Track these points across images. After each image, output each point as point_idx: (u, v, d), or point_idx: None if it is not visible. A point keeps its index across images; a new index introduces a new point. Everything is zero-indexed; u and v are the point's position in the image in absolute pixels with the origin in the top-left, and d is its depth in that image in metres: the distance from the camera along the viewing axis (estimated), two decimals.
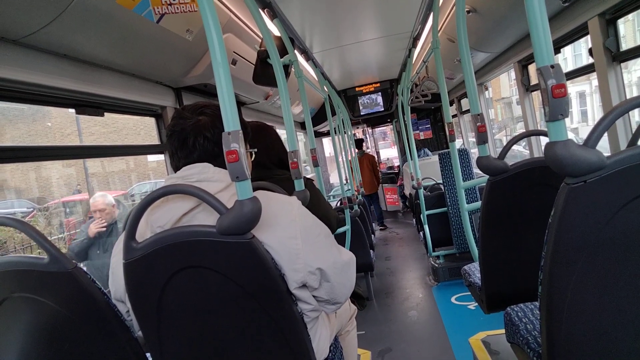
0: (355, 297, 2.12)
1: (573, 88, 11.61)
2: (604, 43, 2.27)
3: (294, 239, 1.07)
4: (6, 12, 1.34)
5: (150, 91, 2.43)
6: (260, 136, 1.79)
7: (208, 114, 1.16)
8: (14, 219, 1.09)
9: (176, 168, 1.15)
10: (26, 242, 4.99)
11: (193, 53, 2.35)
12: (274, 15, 2.41)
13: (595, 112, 10.92)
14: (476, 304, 2.22)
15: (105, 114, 2.13)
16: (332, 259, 1.15)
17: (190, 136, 1.12)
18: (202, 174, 1.08)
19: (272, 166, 1.84)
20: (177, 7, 1.87)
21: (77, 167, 8.98)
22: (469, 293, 2.23)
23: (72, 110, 1.96)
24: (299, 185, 1.82)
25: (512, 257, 1.69)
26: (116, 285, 1.16)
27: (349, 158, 5.74)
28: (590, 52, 2.40)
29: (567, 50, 3.02)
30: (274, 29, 2.48)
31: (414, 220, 6.18)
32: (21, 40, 1.50)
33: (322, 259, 1.11)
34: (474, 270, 2.11)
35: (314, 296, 1.15)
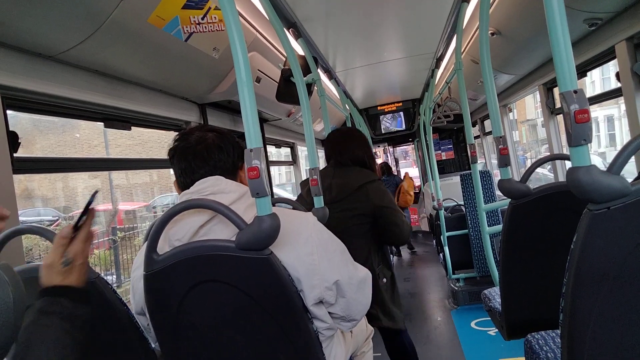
0: None
1: (601, 112, 11.38)
2: (631, 67, 2.22)
3: (310, 255, 1.07)
4: (44, 30, 1.40)
5: (175, 107, 2.49)
6: (344, 139, 2.23)
7: (215, 132, 1.22)
8: (40, 227, 1.12)
9: (185, 186, 1.17)
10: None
11: (219, 70, 2.41)
12: (299, 35, 2.46)
13: (624, 136, 10.63)
14: (496, 329, 2.17)
15: (132, 127, 2.18)
16: (348, 273, 1.15)
17: (202, 149, 1.17)
18: (215, 187, 1.10)
19: (351, 165, 2.15)
20: (205, 27, 1.92)
21: (102, 178, 9.20)
22: (490, 318, 2.17)
23: (101, 124, 2.02)
24: (319, 202, 1.83)
25: (534, 283, 1.64)
26: (137, 297, 1.19)
27: None
28: (618, 76, 2.36)
29: (595, 73, 2.96)
30: (298, 48, 2.52)
31: (434, 241, 6.10)
32: (56, 57, 1.56)
33: (338, 272, 1.12)
34: (494, 294, 2.06)
35: (329, 313, 1.15)
